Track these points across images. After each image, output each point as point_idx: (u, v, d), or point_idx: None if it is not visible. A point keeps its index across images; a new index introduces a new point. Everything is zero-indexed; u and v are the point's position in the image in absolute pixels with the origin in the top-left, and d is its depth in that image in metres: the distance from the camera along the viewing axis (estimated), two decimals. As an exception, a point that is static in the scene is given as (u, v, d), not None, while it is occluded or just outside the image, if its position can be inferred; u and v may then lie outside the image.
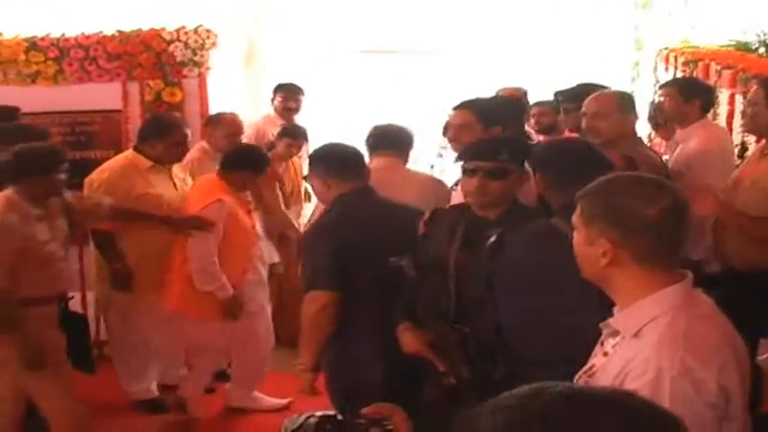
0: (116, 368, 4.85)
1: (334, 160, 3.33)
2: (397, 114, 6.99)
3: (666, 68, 6.33)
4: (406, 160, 4.06)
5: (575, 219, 1.87)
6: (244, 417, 4.81)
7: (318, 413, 1.74)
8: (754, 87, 3.58)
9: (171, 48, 5.64)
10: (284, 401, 4.80)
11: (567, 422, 1.02)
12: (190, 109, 5.67)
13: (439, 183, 4.10)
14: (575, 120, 4.18)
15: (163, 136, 4.56)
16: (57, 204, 3.79)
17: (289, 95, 6.02)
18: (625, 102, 3.81)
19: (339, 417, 1.74)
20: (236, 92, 6.42)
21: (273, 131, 5.74)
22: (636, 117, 3.84)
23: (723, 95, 5.12)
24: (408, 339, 2.94)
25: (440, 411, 2.75)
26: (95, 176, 4.55)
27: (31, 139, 4.19)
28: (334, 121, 6.29)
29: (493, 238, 2.67)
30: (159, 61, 5.67)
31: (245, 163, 4.48)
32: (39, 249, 3.62)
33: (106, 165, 4.66)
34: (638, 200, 1.78)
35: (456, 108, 3.93)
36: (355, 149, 3.49)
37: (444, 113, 6.43)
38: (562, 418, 1.02)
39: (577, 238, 1.87)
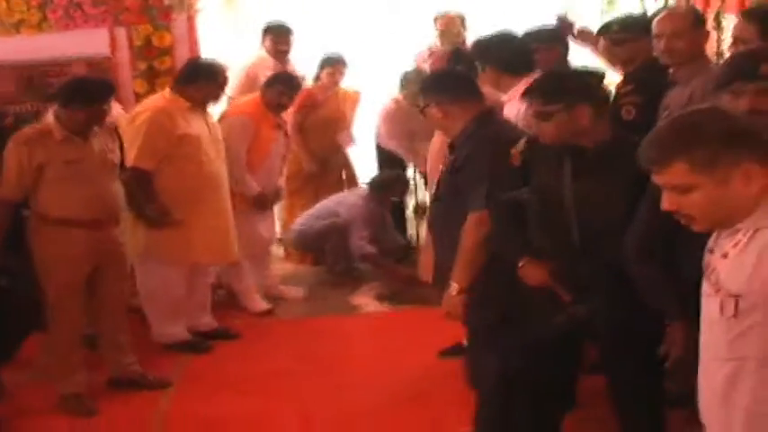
0: (148, 316, 4.83)
1: (456, 87, 3.31)
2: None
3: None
4: None
5: (679, 179, 1.74)
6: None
7: None
8: None
9: (157, -10, 5.58)
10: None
11: None
12: (179, 53, 5.64)
13: None
14: (625, 52, 3.84)
15: (211, 79, 4.63)
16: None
17: (279, 37, 5.87)
18: (699, 18, 3.57)
19: None
20: (224, 34, 6.37)
21: (266, 74, 5.45)
22: (707, 34, 3.63)
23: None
24: (532, 272, 2.89)
25: (563, 342, 2.84)
26: (136, 115, 4.56)
27: None
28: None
29: None
30: (146, 5, 5.60)
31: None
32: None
33: (145, 104, 4.70)
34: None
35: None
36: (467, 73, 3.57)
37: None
38: None
39: (701, 193, 1.73)
